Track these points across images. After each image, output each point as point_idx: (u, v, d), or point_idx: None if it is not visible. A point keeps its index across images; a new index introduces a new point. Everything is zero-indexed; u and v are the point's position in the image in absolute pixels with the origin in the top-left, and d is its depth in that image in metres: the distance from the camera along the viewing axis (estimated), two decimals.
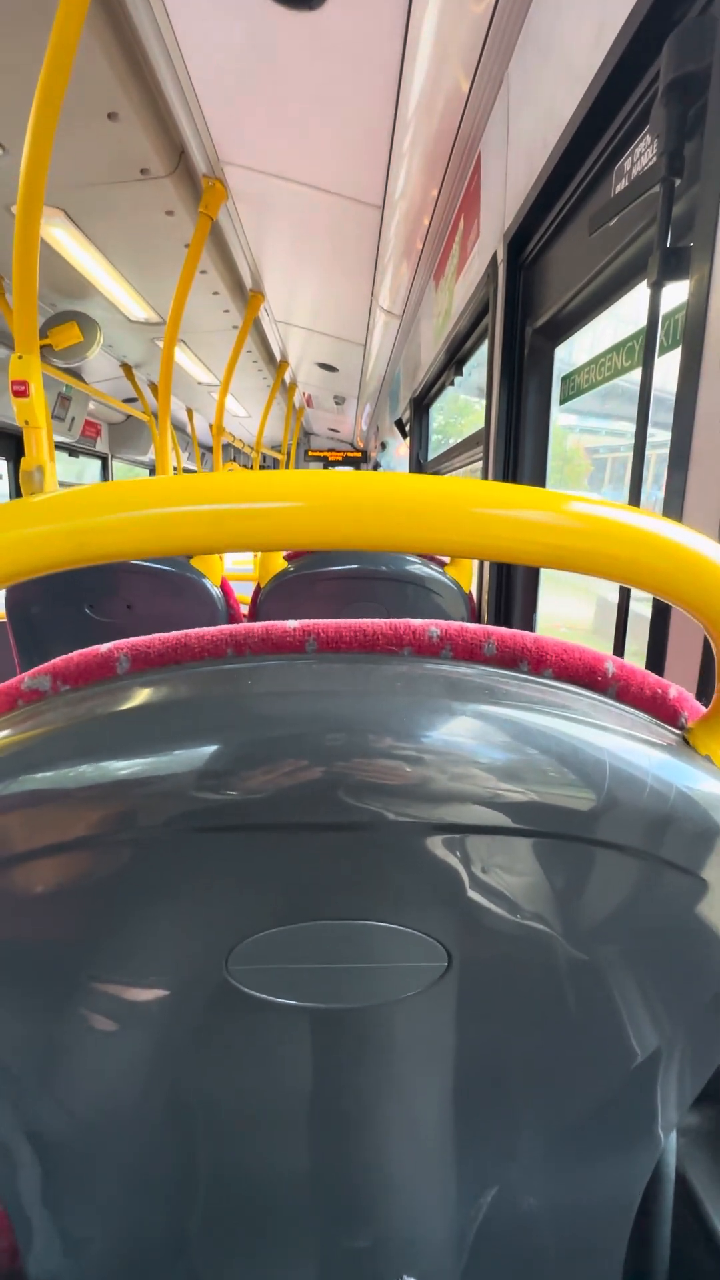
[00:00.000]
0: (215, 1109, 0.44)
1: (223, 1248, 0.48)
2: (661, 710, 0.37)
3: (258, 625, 0.34)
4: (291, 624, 0.34)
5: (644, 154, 0.87)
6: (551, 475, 1.60)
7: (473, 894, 0.34)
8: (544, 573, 1.59)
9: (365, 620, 0.35)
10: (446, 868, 0.33)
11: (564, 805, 0.32)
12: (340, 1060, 0.41)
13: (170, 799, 0.31)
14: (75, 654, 0.34)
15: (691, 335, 0.67)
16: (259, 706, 0.32)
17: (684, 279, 0.71)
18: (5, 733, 0.32)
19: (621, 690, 0.36)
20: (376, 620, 0.35)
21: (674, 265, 0.73)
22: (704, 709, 0.38)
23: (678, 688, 0.37)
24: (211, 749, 0.31)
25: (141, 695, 0.32)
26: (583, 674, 0.35)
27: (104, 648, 0.34)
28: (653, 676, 0.37)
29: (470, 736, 0.31)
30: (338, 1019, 0.39)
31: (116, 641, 0.34)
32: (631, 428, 0.79)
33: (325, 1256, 0.49)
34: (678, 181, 0.74)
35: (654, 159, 0.80)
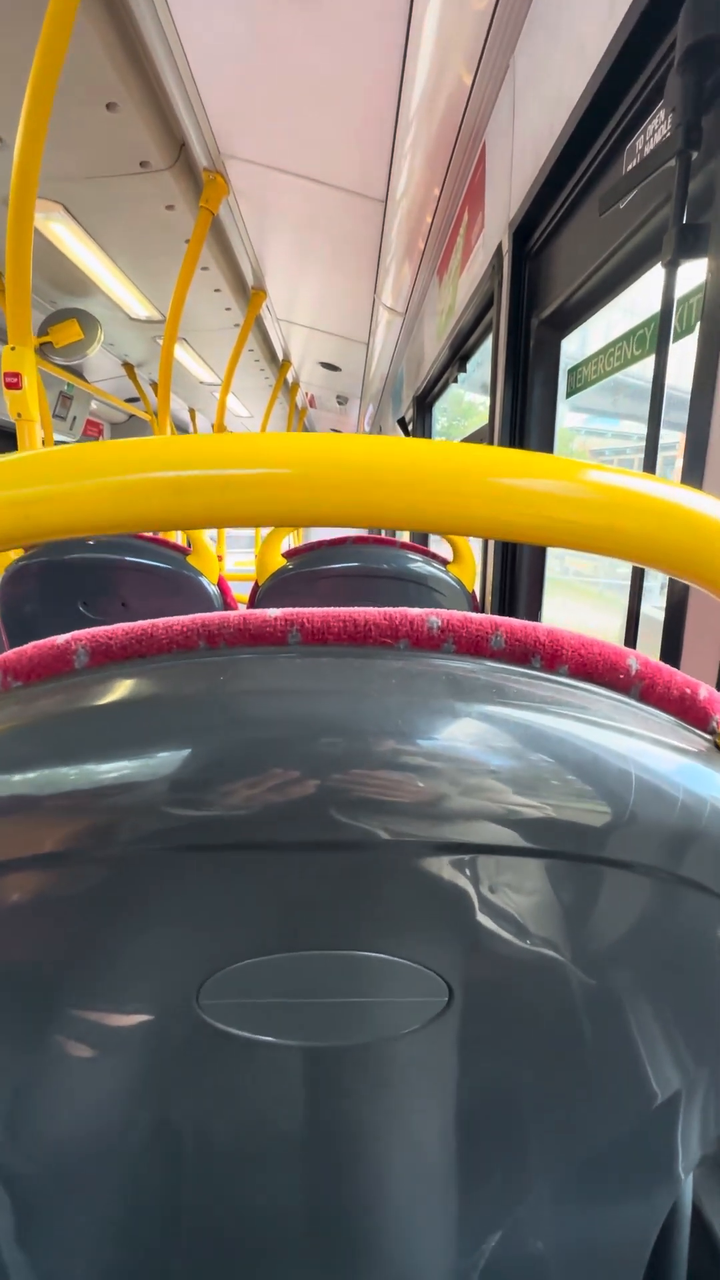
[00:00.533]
0: (197, 1150, 0.40)
1: None
2: (691, 713, 0.32)
3: (234, 614, 0.30)
4: (272, 612, 0.30)
5: (657, 130, 0.83)
6: None
7: (477, 921, 0.30)
8: (561, 581, 1.56)
9: (357, 609, 0.31)
10: (447, 892, 0.29)
11: (582, 821, 0.28)
12: (331, 1099, 0.37)
13: (132, 812, 0.27)
14: (29, 645, 0.30)
15: (711, 316, 0.63)
16: (234, 707, 0.28)
17: (702, 256, 0.67)
18: None
19: (646, 690, 0.32)
20: (369, 609, 0.31)
21: (691, 242, 0.69)
22: None
23: (708, 688, 0.33)
24: (179, 754, 0.27)
25: (101, 693, 0.28)
26: (603, 672, 0.31)
27: (60, 639, 0.30)
28: (680, 675, 0.33)
29: (476, 743, 0.27)
30: (327, 1056, 0.35)
31: (75, 632, 0.30)
32: (640, 428, 0.76)
33: None
34: (695, 155, 0.70)
35: (669, 133, 0.76)
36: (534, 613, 1.57)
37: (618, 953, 0.32)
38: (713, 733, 0.33)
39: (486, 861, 0.28)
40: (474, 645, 0.30)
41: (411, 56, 1.55)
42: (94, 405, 4.95)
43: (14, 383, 1.63)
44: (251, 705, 0.28)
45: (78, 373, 4.29)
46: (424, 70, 1.56)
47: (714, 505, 0.28)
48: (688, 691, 0.32)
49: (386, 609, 0.31)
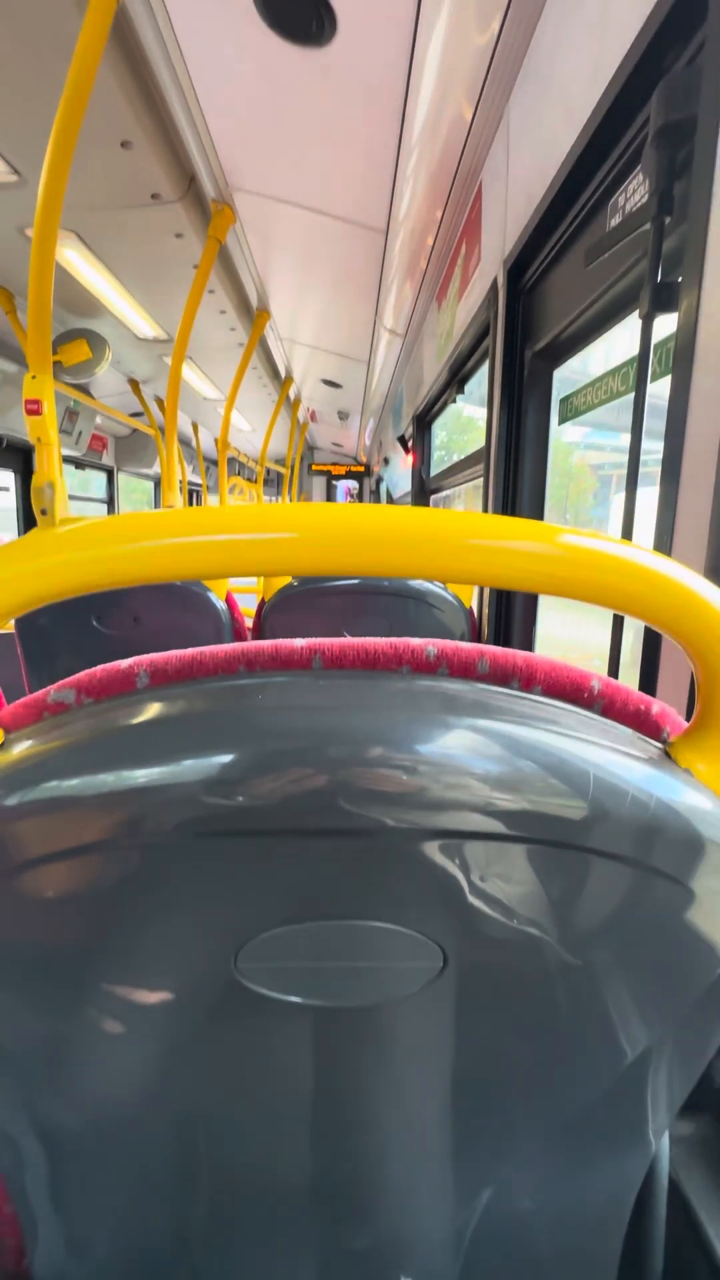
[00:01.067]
0: (219, 1110, 0.45)
1: (225, 1248, 0.49)
2: (645, 725, 0.39)
3: (267, 643, 0.37)
4: (299, 642, 0.37)
5: (636, 190, 0.91)
6: (555, 493, 1.63)
7: (468, 897, 0.36)
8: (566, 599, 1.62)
9: (367, 639, 0.37)
10: (443, 872, 0.35)
11: (552, 813, 0.34)
12: (339, 1061, 0.43)
13: (183, 805, 0.33)
14: (98, 669, 0.37)
15: (680, 366, 0.71)
16: (268, 719, 0.34)
17: (673, 311, 0.75)
18: (31, 742, 0.35)
19: (607, 706, 0.39)
20: (378, 640, 0.37)
21: (664, 299, 0.76)
22: (686, 725, 0.40)
23: (660, 704, 0.40)
24: (223, 759, 0.33)
25: (159, 708, 0.35)
26: (570, 691, 0.38)
27: (125, 663, 0.37)
28: (636, 693, 0.39)
29: (465, 748, 0.34)
30: (338, 1019, 0.40)
31: (137, 658, 0.37)
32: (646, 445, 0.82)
33: (325, 1257, 0.50)
34: (668, 219, 0.77)
35: (645, 197, 0.84)
36: (528, 628, 1.63)
37: (591, 930, 0.38)
38: (664, 742, 0.39)
39: (474, 846, 0.35)
40: (464, 669, 0.37)
41: (413, 96, 1.64)
42: (99, 420, 5.05)
43: (35, 409, 1.71)
44: (281, 718, 0.34)
45: (84, 389, 4.39)
46: (424, 109, 1.64)
47: (651, 557, 0.34)
48: (642, 707, 0.39)
49: (392, 640, 0.37)
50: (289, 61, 1.63)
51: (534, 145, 1.26)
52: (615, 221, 0.95)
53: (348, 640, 0.37)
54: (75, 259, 2.64)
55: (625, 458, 0.86)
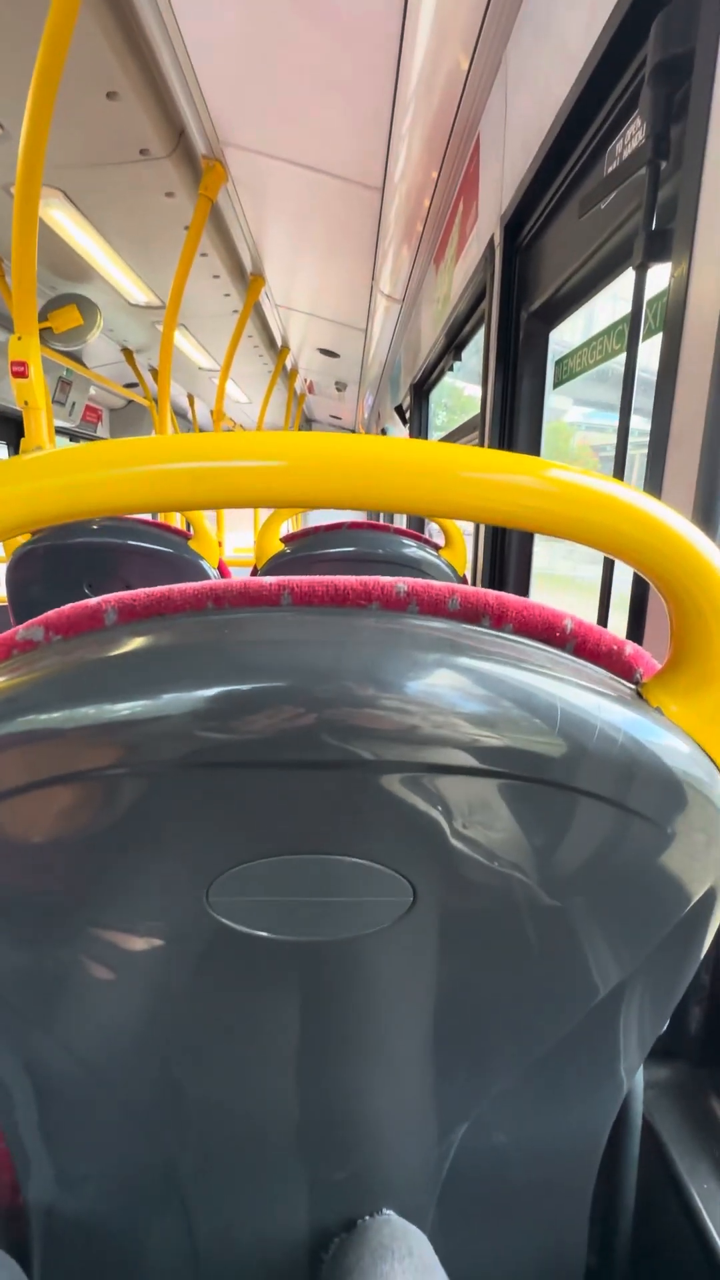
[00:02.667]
0: (202, 1048, 0.46)
1: (212, 1180, 0.51)
2: (616, 665, 0.39)
3: (235, 580, 0.37)
4: (268, 580, 0.37)
5: (635, 135, 0.88)
6: None
7: (438, 831, 0.36)
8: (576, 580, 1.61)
9: (337, 577, 0.37)
10: (412, 806, 0.35)
11: (523, 748, 0.34)
12: (317, 999, 0.44)
13: (156, 738, 0.33)
14: (66, 607, 0.37)
15: (672, 319, 0.69)
16: (238, 653, 0.34)
17: (667, 261, 0.73)
18: (2, 679, 0.35)
19: (579, 646, 0.38)
20: (348, 577, 0.37)
21: (658, 247, 0.74)
22: (659, 667, 0.40)
23: (634, 645, 0.40)
24: (193, 692, 0.33)
25: (129, 643, 0.34)
26: (541, 629, 0.38)
27: (92, 601, 0.36)
28: (609, 634, 0.39)
29: (434, 684, 0.34)
30: (314, 956, 0.41)
31: (104, 595, 0.37)
32: (642, 423, 0.81)
33: (309, 1188, 0.52)
34: (664, 164, 0.75)
35: (642, 141, 0.81)
36: (521, 593, 1.63)
37: (562, 865, 0.38)
38: (636, 683, 0.39)
39: (445, 780, 0.35)
40: (434, 606, 0.37)
41: (408, 44, 1.58)
42: (93, 391, 4.96)
43: (20, 371, 1.68)
44: (252, 652, 0.34)
45: (77, 358, 4.31)
46: (420, 58, 1.58)
47: (628, 491, 0.34)
48: (615, 648, 0.39)
49: (363, 577, 0.37)
50: (278, 4, 1.56)
51: (532, 92, 1.22)
52: (612, 169, 0.92)
53: (317, 578, 0.37)
54: (63, 219, 2.57)
55: (629, 439, 0.84)
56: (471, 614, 0.37)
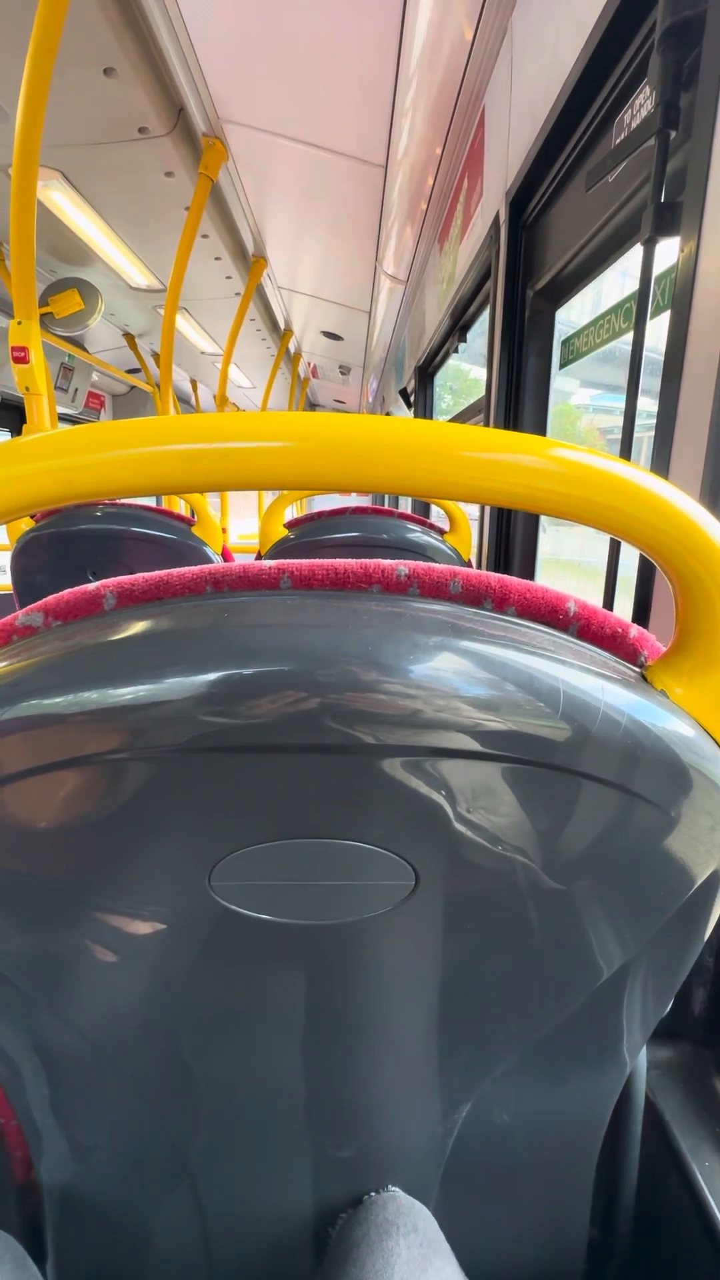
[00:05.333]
0: (208, 1028, 0.47)
1: (220, 1157, 0.52)
2: (621, 648, 0.38)
3: (235, 564, 0.36)
4: (267, 563, 0.36)
5: (644, 105, 0.86)
6: None
7: (440, 816, 0.36)
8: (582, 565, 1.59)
9: (338, 560, 0.36)
10: (413, 790, 0.35)
11: (525, 731, 0.34)
12: (321, 978, 0.44)
13: (159, 723, 0.33)
14: (65, 592, 0.37)
15: (681, 293, 0.67)
16: (238, 636, 0.34)
17: (676, 235, 0.71)
18: (2, 664, 0.35)
19: (583, 628, 0.38)
20: (348, 560, 0.37)
21: (667, 220, 0.72)
22: (664, 649, 0.39)
23: (638, 628, 0.39)
24: (195, 676, 0.33)
25: (128, 627, 0.34)
26: (544, 612, 0.37)
27: (91, 586, 0.36)
28: (614, 617, 0.39)
29: (436, 667, 0.33)
30: (318, 938, 0.41)
31: (103, 580, 0.36)
32: (650, 405, 0.79)
33: (316, 1165, 0.52)
34: (673, 134, 0.73)
35: (651, 111, 0.79)
36: (526, 578, 1.62)
37: (564, 848, 0.38)
38: (641, 665, 0.39)
39: (446, 764, 0.35)
40: (435, 590, 0.36)
41: (410, 14, 1.54)
42: (95, 377, 4.93)
43: (21, 357, 1.66)
44: (251, 635, 0.34)
45: (79, 344, 4.27)
46: (423, 28, 1.54)
47: (632, 470, 0.33)
48: (619, 630, 0.38)
49: (364, 560, 0.37)
50: None
51: (539, 62, 1.19)
52: (619, 141, 0.90)
53: (317, 561, 0.36)
54: (62, 201, 2.53)
55: (637, 421, 0.83)
56: (473, 597, 0.37)
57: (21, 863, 0.38)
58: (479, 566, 1.78)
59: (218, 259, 3.06)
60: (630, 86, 0.90)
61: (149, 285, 3.50)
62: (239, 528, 6.48)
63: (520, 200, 1.33)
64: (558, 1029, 0.47)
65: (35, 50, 1.42)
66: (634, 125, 0.88)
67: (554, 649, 0.35)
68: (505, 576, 0.37)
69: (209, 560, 1.56)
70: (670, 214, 0.72)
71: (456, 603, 0.36)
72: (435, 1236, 0.49)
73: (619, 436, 0.84)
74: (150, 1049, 0.47)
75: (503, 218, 1.42)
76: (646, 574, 0.77)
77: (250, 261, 3.26)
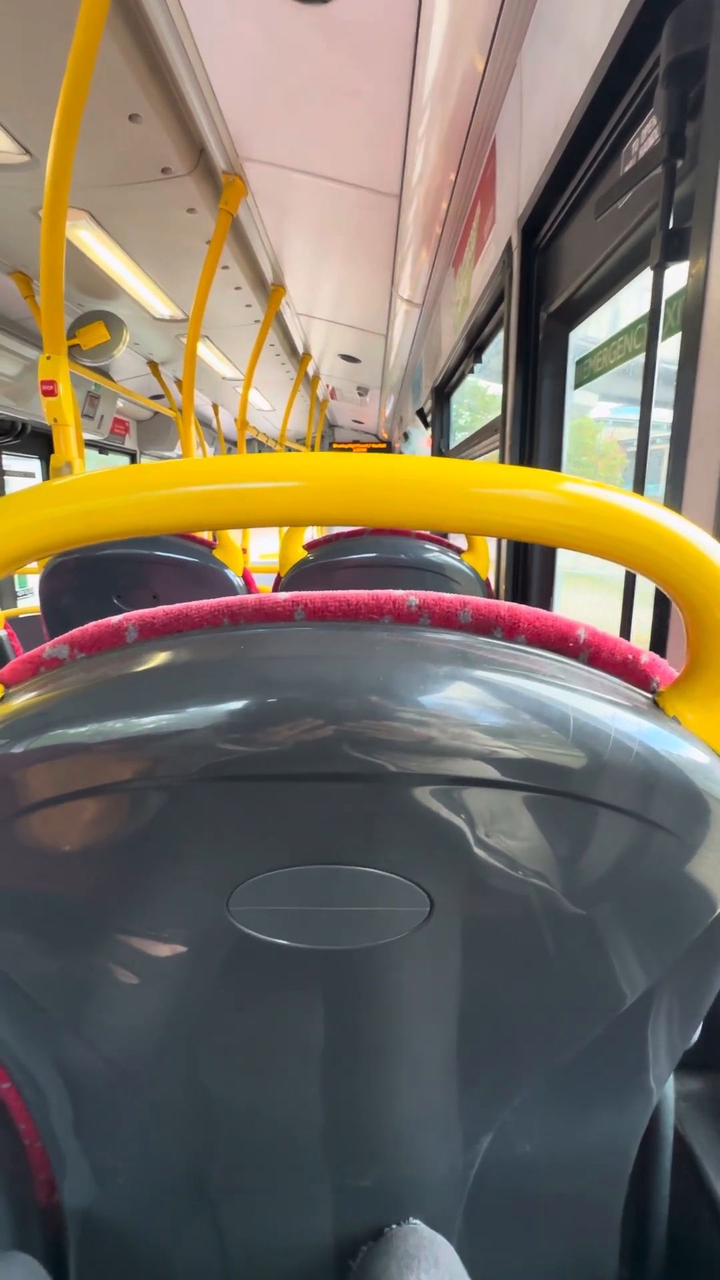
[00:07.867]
0: (228, 1054, 0.47)
1: (240, 1186, 0.52)
2: (632, 675, 0.39)
3: (250, 597, 0.38)
4: (281, 595, 0.37)
5: (650, 136, 0.87)
6: (584, 471, 1.59)
7: (454, 843, 0.37)
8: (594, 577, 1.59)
9: (349, 591, 0.38)
10: (426, 817, 0.36)
11: (535, 759, 0.34)
12: (338, 1004, 0.44)
13: (179, 752, 0.34)
14: (89, 625, 0.38)
15: (690, 318, 0.68)
16: (256, 668, 0.35)
17: (684, 261, 0.72)
18: (30, 695, 0.36)
19: (593, 656, 0.38)
20: (360, 592, 0.38)
21: (676, 246, 0.73)
22: (676, 675, 0.40)
23: (650, 654, 0.39)
24: (214, 706, 0.34)
25: (150, 660, 0.36)
26: (554, 640, 0.38)
27: (114, 619, 0.38)
28: (625, 643, 0.39)
29: (449, 696, 0.34)
30: (335, 961, 0.42)
31: (125, 614, 0.38)
32: (668, 416, 0.80)
33: (336, 1196, 0.52)
34: (679, 163, 0.74)
35: (658, 140, 0.80)
36: (545, 597, 1.61)
37: (582, 875, 0.38)
38: (653, 691, 0.39)
39: (460, 792, 0.35)
40: (445, 619, 0.37)
41: (422, 50, 1.58)
42: (120, 403, 5.07)
43: (50, 390, 1.73)
44: (267, 666, 0.35)
45: (104, 372, 4.41)
46: (435, 62, 1.59)
47: (641, 503, 0.34)
48: (630, 657, 0.39)
49: (375, 591, 0.38)
50: (292, 21, 1.58)
51: (548, 93, 1.21)
52: (628, 169, 0.92)
53: (330, 593, 0.37)
54: (89, 239, 2.64)
55: (657, 434, 0.83)
56: (483, 625, 0.37)
57: (48, 886, 0.40)
58: (497, 585, 1.78)
59: (238, 288, 3.15)
60: (637, 116, 0.92)
61: (172, 315, 3.61)
62: (260, 546, 6.56)
63: (532, 226, 1.36)
64: (580, 1057, 0.47)
65: (65, 100, 1.49)
66: (641, 154, 0.89)
67: (564, 676, 0.35)
68: (515, 605, 0.38)
69: (230, 582, 1.59)
70: (679, 240, 0.73)
71: (467, 632, 0.37)
72: (457, 1271, 0.48)
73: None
74: (170, 1072, 0.48)
75: (515, 243, 1.44)
76: (664, 595, 0.77)
77: (269, 290, 3.34)
